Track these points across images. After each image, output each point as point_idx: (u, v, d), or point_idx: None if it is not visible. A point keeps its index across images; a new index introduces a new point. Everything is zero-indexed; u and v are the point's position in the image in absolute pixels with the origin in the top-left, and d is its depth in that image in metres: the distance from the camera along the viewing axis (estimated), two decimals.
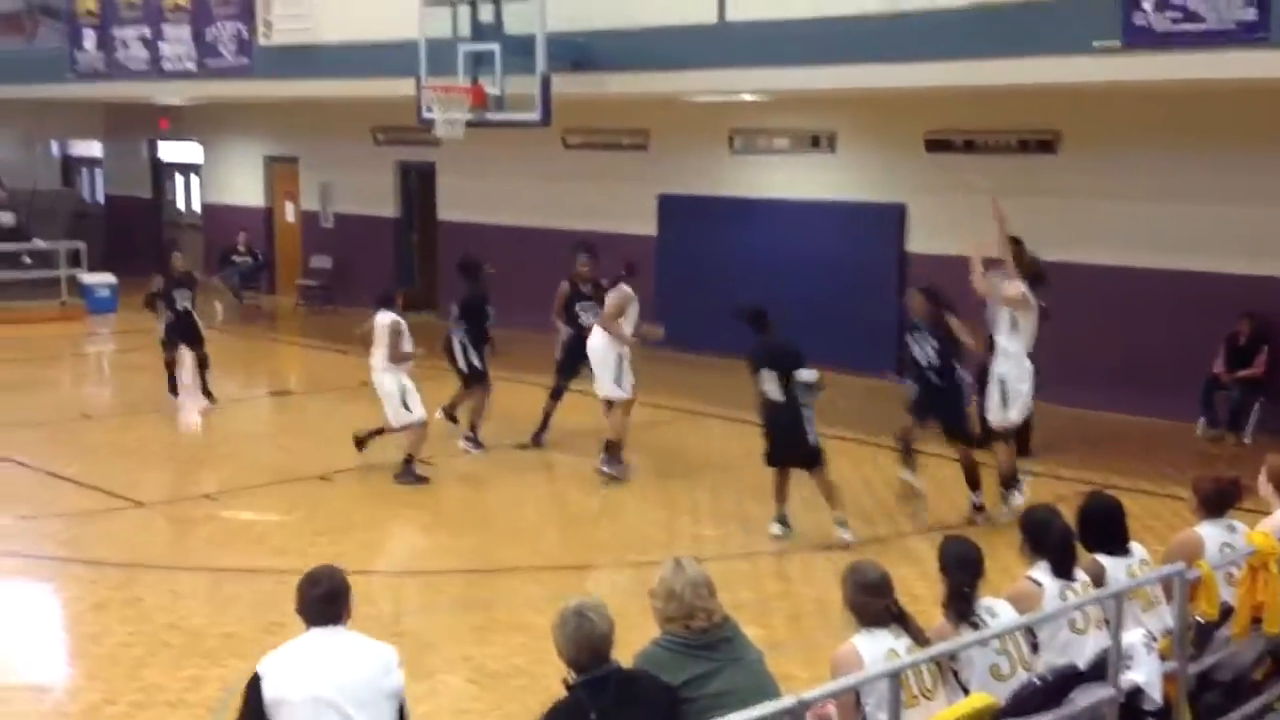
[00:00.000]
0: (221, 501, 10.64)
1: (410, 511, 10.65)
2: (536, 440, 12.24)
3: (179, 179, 25.94)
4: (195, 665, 7.27)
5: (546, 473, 11.87)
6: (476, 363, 11.97)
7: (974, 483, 9.88)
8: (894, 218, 15.36)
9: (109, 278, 21.16)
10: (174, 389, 14.19)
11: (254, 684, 4.36)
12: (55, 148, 27.35)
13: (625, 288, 11.26)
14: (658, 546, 9.12)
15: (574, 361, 11.87)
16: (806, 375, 9.20)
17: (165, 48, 18.97)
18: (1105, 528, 5.67)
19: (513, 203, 18.86)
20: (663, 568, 4.67)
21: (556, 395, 12.18)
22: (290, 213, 23.19)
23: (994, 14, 11.08)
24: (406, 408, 10.99)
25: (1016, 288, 9.75)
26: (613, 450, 11.16)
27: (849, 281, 15.41)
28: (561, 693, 4.26)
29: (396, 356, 10.98)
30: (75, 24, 20.66)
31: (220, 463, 12.18)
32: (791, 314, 13.91)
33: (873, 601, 4.69)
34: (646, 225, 17.61)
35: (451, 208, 20.17)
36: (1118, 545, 5.66)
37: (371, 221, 21.30)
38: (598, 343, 11.28)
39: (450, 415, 12.35)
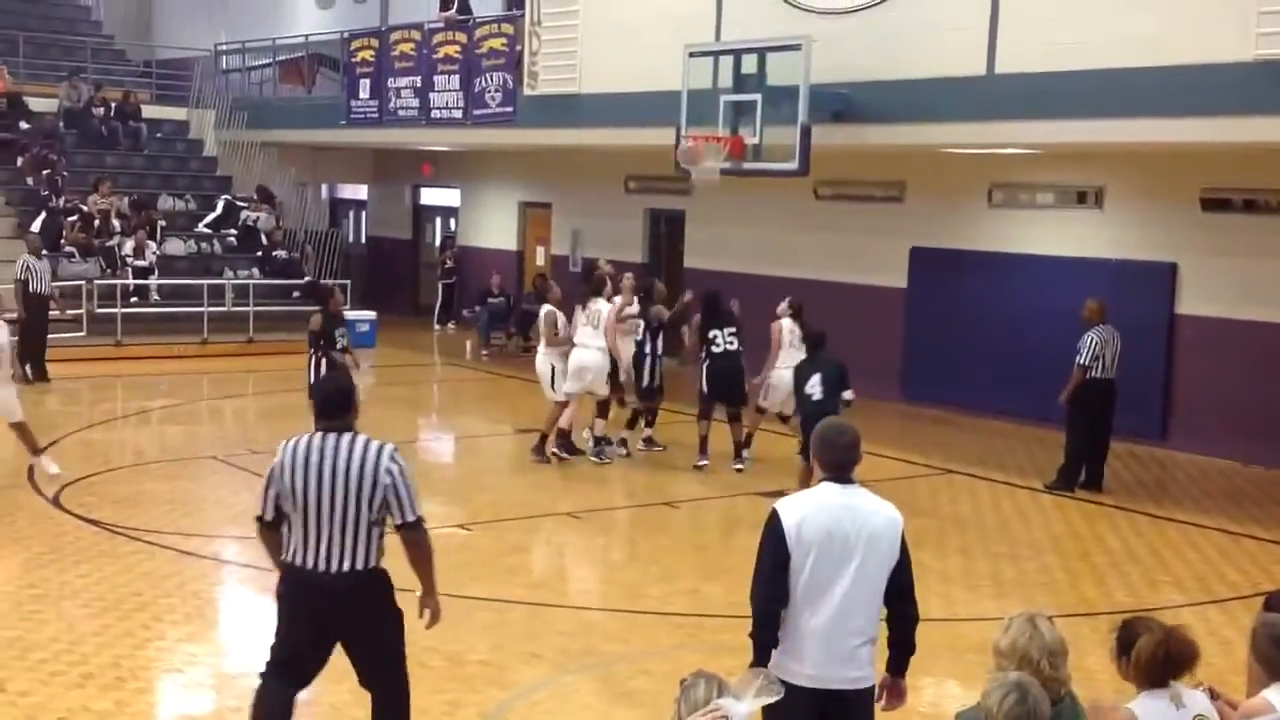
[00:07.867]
0: (475, 532, 10.89)
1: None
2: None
3: (438, 221, 27.05)
4: (455, 690, 7.40)
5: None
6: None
7: None
8: (1164, 276, 14.74)
9: (370, 314, 22.09)
10: None
11: (773, 519, 4.89)
12: (325, 191, 28.88)
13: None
14: None
15: None
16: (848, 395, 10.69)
17: (435, 97, 19.79)
18: None
19: (759, 252, 18.90)
20: (1012, 625, 4.16)
21: None
22: (541, 257, 23.83)
23: (1276, 68, 10.53)
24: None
25: None
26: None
27: None
28: None
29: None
30: (353, 75, 21.81)
31: (472, 494, 12.43)
32: (1048, 370, 13.58)
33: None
34: (896, 278, 17.41)
35: (698, 255, 20.34)
36: None
37: (619, 267, 21.58)
38: None
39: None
